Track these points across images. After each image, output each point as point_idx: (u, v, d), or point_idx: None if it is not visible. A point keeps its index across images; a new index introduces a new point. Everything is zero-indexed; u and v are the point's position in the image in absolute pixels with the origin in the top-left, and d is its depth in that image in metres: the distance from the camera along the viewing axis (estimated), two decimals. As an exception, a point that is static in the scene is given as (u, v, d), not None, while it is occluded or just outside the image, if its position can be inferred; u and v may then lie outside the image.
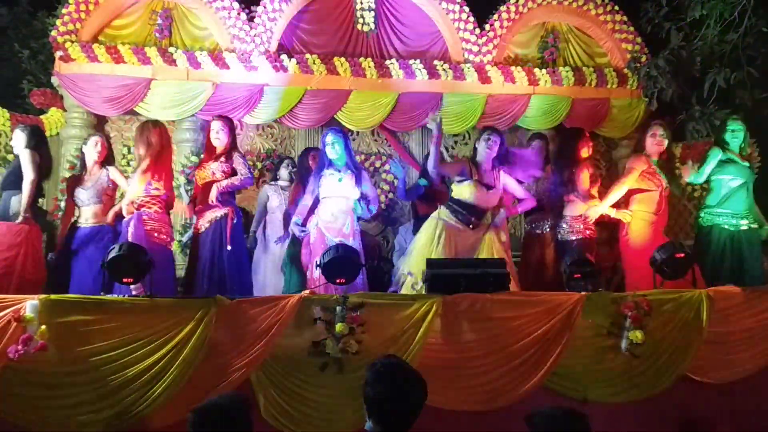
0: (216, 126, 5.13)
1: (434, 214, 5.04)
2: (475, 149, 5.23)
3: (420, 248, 4.89)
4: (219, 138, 5.10)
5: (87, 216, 5.16)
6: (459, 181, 5.04)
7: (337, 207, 5.06)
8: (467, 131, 7.35)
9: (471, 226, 4.94)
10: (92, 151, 5.28)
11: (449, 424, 3.84)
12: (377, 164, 7.33)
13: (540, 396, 3.95)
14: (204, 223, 5.02)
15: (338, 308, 3.82)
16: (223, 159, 5.07)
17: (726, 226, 5.26)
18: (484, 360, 4.02)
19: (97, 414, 3.57)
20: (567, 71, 7.20)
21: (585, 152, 5.63)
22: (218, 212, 4.99)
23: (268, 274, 5.87)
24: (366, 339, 3.85)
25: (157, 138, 5.07)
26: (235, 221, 4.98)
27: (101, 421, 3.57)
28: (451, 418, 3.86)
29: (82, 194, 5.18)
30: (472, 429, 3.95)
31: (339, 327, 3.78)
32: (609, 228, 5.92)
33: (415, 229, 5.96)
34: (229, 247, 4.89)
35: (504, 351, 4.03)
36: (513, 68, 7.14)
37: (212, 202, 4.96)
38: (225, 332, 3.78)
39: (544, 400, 3.90)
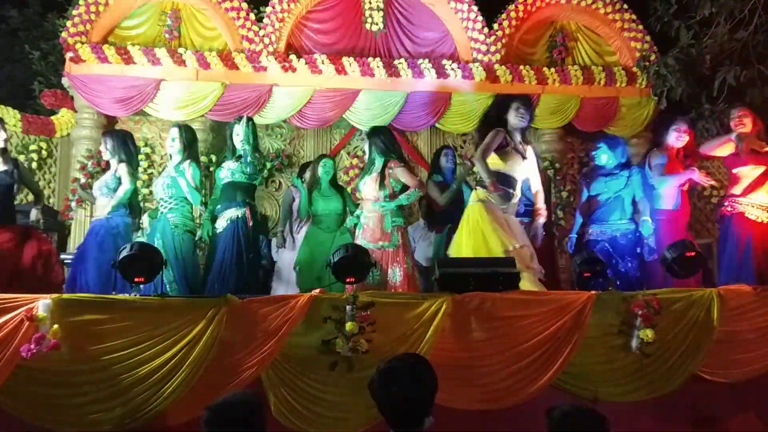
0: (240, 132, 5.12)
1: (472, 198, 4.82)
2: (504, 119, 4.91)
3: (467, 237, 4.67)
4: (243, 141, 5.11)
5: (102, 206, 5.23)
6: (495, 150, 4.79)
7: (367, 209, 5.12)
8: (475, 131, 7.35)
9: (512, 199, 4.79)
10: (102, 149, 5.39)
11: (459, 423, 3.83)
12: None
13: (550, 395, 3.93)
14: (222, 222, 5.04)
15: (348, 307, 3.82)
16: (243, 160, 5.08)
17: (751, 216, 5.12)
18: (494, 359, 4.01)
19: (108, 412, 3.58)
20: (576, 70, 7.20)
21: None
22: (237, 211, 5.02)
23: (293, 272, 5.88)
24: (376, 338, 3.84)
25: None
26: (251, 224, 5.02)
27: (113, 419, 3.58)
28: (460, 418, 3.85)
29: (95, 187, 5.31)
30: (481, 428, 3.94)
31: (349, 326, 3.78)
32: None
33: (430, 227, 5.96)
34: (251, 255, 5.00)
35: (514, 350, 4.01)
36: (521, 67, 7.14)
37: None
38: (235, 331, 3.78)
39: (555, 399, 3.87)
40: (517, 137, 4.90)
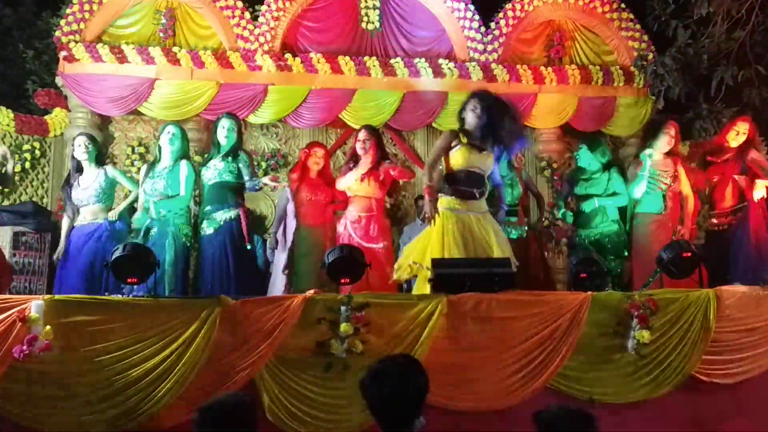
0: (226, 124, 5.09)
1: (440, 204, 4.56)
2: (462, 119, 4.73)
3: (430, 243, 4.48)
4: (228, 137, 5.06)
5: (85, 214, 5.19)
6: (449, 150, 4.68)
7: (361, 206, 5.10)
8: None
9: (478, 196, 4.61)
10: (79, 152, 5.25)
11: (455, 424, 3.82)
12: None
13: (546, 396, 3.92)
14: (213, 224, 4.99)
15: (343, 308, 3.80)
16: (230, 158, 5.03)
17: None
18: (489, 360, 3.99)
19: (101, 414, 3.56)
20: (573, 69, 7.17)
21: None
22: (229, 213, 4.98)
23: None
24: (371, 339, 3.83)
25: None
26: (246, 224, 4.98)
27: (106, 421, 3.56)
28: (456, 419, 3.84)
29: (81, 194, 5.18)
30: (477, 429, 3.93)
31: (343, 327, 3.76)
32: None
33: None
34: (248, 246, 4.93)
35: (510, 351, 4.00)
36: (519, 67, 7.11)
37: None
38: (229, 332, 3.76)
39: (551, 400, 3.86)
40: (475, 134, 4.64)
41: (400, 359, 2.39)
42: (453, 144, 4.62)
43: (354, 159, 5.50)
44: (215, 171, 5.03)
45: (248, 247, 4.95)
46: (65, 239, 5.26)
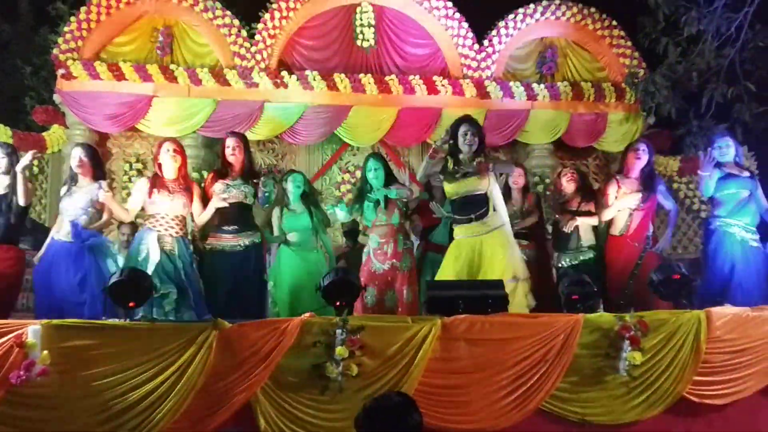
0: (231, 143, 5.05)
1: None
2: (455, 144, 4.85)
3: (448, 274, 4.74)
4: (235, 155, 5.03)
5: (69, 229, 4.72)
6: (441, 182, 4.94)
7: (381, 233, 5.13)
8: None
9: (475, 219, 4.72)
10: (74, 164, 4.80)
11: (448, 446, 3.85)
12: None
13: (539, 418, 3.96)
14: (233, 245, 4.95)
15: (338, 331, 3.83)
16: (253, 180, 5.03)
17: (738, 238, 5.21)
18: (483, 382, 4.02)
19: (99, 438, 3.59)
20: (565, 86, 7.25)
21: None
22: (253, 238, 4.99)
23: None
24: (366, 362, 3.86)
25: None
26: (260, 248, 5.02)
27: (103, 446, 3.59)
28: (450, 441, 3.87)
29: (69, 205, 4.76)
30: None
31: (339, 350, 3.78)
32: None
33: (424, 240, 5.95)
34: (266, 278, 5.02)
35: (503, 373, 4.02)
36: (511, 83, 7.20)
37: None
38: (226, 356, 3.78)
39: (543, 422, 3.92)
40: (467, 159, 4.79)
41: (395, 397, 2.42)
42: (440, 172, 4.87)
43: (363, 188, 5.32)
44: (238, 191, 4.96)
45: (265, 278, 4.99)
46: (46, 246, 4.86)
